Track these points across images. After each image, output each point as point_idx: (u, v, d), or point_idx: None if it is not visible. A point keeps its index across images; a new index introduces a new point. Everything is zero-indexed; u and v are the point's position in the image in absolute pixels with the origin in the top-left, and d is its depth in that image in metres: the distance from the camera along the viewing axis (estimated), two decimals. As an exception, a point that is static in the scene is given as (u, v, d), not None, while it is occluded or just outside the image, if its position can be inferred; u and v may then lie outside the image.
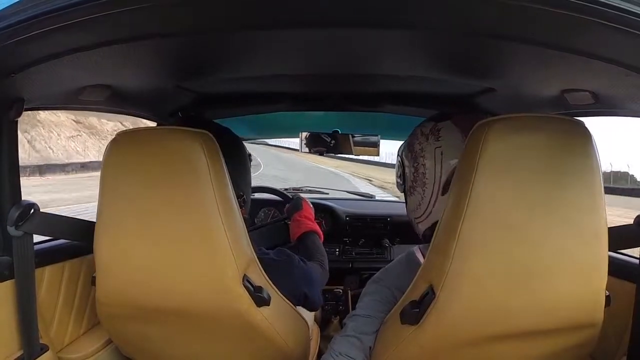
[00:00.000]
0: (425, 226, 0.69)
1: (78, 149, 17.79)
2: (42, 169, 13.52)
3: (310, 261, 0.87)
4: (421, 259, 0.65)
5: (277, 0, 0.43)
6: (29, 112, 0.73)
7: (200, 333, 0.65)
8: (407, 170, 0.72)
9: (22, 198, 0.68)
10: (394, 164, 0.83)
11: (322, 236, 1.06)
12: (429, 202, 0.67)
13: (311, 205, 1.16)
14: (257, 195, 1.58)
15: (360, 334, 0.63)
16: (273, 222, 1.41)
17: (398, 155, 0.77)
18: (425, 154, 0.67)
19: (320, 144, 1.40)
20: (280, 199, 1.56)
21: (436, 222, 0.54)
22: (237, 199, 0.73)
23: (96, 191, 0.64)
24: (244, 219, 0.64)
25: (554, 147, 0.49)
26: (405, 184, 0.73)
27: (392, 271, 0.69)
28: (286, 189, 1.75)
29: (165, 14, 0.44)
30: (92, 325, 0.89)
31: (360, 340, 0.63)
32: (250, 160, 0.88)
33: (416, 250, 0.69)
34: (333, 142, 1.38)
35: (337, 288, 1.56)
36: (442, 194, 0.64)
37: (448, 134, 0.65)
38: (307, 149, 1.42)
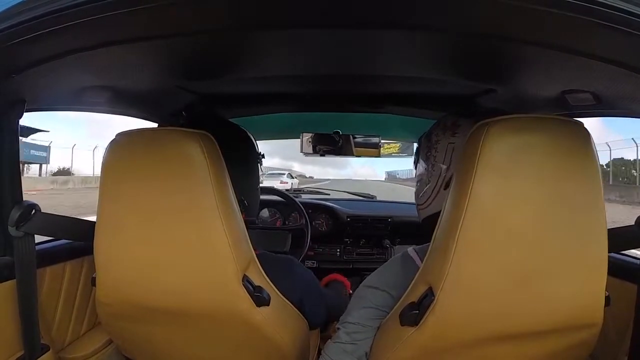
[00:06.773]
0: (425, 214, 0.71)
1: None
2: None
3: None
4: (416, 260, 0.64)
5: (278, 1, 0.43)
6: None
7: (200, 333, 0.65)
8: (421, 156, 0.74)
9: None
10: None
11: (349, 287, 1.13)
12: (432, 192, 0.69)
13: (349, 283, 1.19)
14: None
15: (354, 340, 0.62)
16: (278, 229, 1.41)
17: (419, 140, 0.79)
18: (438, 147, 0.69)
19: (327, 144, 1.39)
20: (282, 199, 1.56)
21: (434, 215, 0.54)
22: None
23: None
24: (245, 221, 0.63)
25: (553, 148, 0.48)
26: (417, 169, 0.76)
27: (387, 272, 0.68)
28: (287, 190, 1.75)
29: (166, 15, 0.44)
30: (93, 325, 0.89)
31: (355, 344, 0.62)
32: (262, 160, 0.86)
33: (411, 251, 0.68)
34: (341, 142, 1.37)
35: None
36: (445, 188, 0.66)
37: (464, 133, 0.64)
38: (310, 150, 1.40)
